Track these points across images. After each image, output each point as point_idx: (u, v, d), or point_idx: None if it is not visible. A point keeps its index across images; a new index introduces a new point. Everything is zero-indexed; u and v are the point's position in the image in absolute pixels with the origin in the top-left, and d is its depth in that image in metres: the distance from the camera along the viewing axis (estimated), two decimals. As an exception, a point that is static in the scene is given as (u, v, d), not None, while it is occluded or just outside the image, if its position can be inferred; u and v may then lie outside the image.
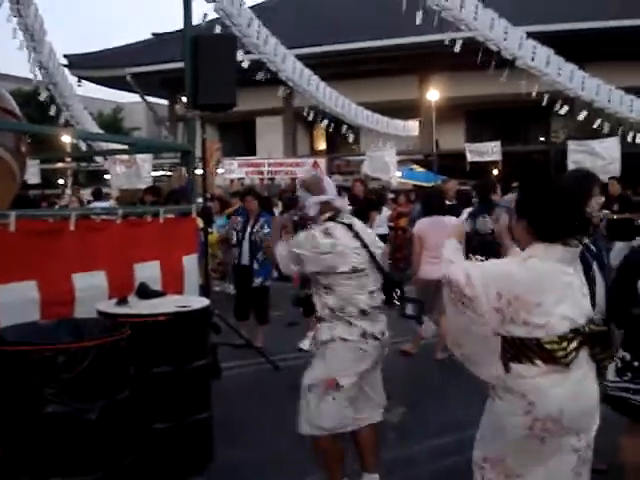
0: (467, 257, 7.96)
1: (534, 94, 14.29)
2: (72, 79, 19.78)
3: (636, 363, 3.86)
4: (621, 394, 3.87)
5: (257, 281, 8.35)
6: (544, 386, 2.95)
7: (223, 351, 7.38)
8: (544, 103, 13.95)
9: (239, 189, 15.78)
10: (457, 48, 12.89)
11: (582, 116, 15.16)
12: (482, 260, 7.84)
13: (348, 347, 4.14)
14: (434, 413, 6.15)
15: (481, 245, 7.85)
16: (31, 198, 13.51)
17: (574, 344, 2.96)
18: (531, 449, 3.03)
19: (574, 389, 2.97)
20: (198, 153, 7.37)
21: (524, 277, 2.97)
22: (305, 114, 18.03)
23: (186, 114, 7.00)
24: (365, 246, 4.19)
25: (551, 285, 2.98)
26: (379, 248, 4.38)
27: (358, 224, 4.35)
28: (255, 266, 8.37)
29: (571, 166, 15.49)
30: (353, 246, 4.16)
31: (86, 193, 20.07)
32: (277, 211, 13.59)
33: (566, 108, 15.03)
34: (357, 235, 4.21)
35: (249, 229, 8.47)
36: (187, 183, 6.78)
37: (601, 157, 16.09)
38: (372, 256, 4.22)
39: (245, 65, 13.44)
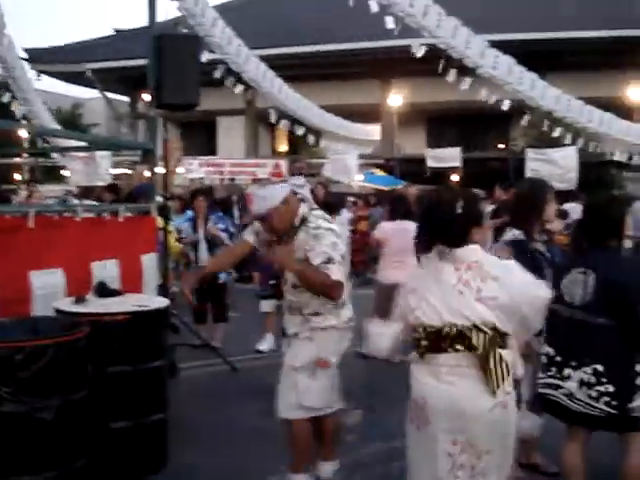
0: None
1: (494, 102, 14.45)
2: (31, 73, 19.49)
3: (559, 358, 3.95)
4: (545, 391, 3.97)
5: (222, 277, 8.30)
6: (414, 371, 3.27)
7: (181, 351, 7.35)
8: (505, 108, 14.09)
9: (199, 188, 15.70)
10: (419, 54, 12.97)
11: (545, 126, 15.39)
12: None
13: (337, 332, 4.30)
14: (391, 415, 6.17)
15: None
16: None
17: (425, 341, 3.15)
18: (412, 435, 3.24)
19: (440, 385, 3.10)
20: (159, 152, 7.34)
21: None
22: (268, 116, 18.00)
23: (148, 112, 6.96)
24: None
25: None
26: None
27: None
28: None
29: (529, 174, 15.68)
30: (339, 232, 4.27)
31: (44, 189, 19.76)
32: (236, 213, 13.55)
33: (527, 117, 15.23)
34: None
35: (201, 230, 8.41)
36: (144, 182, 6.75)
37: (559, 166, 16.31)
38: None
39: (206, 64, 13.37)
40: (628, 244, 11.45)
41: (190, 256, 8.65)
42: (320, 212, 4.35)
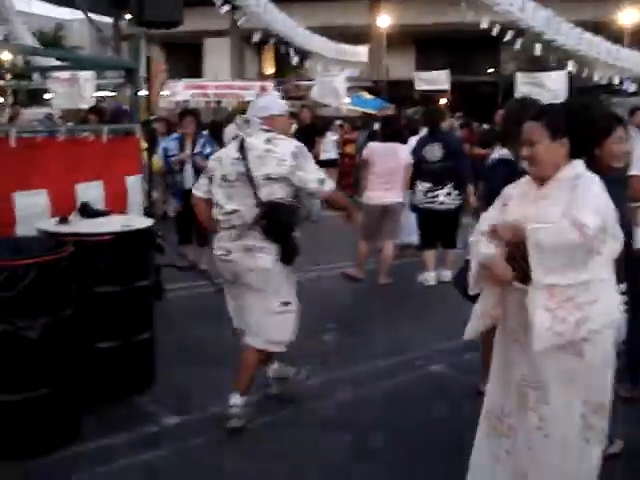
0: (413, 184, 8.06)
1: (485, 24, 14.22)
2: (11, -8, 18.95)
3: None
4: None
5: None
6: None
7: (167, 273, 7.36)
8: (494, 33, 13.89)
9: (187, 109, 15.47)
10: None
11: (535, 49, 15.19)
12: (428, 189, 7.98)
13: None
14: (374, 337, 6.26)
15: (430, 173, 7.93)
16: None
17: None
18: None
19: None
20: (143, 73, 7.20)
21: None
22: (255, 38, 17.68)
23: (130, 31, 6.80)
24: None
25: None
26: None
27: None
28: None
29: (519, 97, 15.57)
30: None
31: (27, 112, 19.45)
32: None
33: (519, 40, 15.02)
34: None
35: (189, 152, 8.27)
36: (117, 103, 6.64)
37: (548, 89, 16.19)
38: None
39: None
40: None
41: (172, 178, 8.53)
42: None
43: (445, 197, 7.90)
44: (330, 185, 4.32)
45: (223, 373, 4.73)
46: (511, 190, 3.28)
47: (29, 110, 20.94)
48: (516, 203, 3.16)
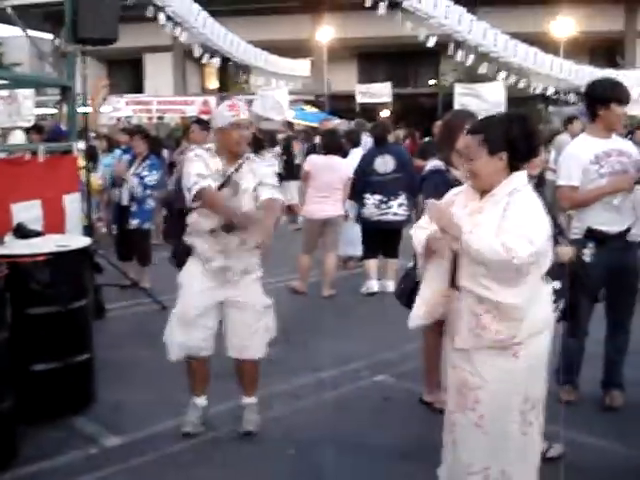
0: (362, 196, 8.05)
1: (422, 37, 14.42)
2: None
3: None
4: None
5: (133, 223, 8.14)
6: None
7: (110, 292, 7.29)
8: (430, 44, 14.08)
9: (127, 127, 15.34)
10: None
11: (469, 61, 15.45)
12: (380, 201, 8.02)
13: None
14: (317, 349, 6.28)
15: (380, 185, 7.98)
16: None
17: None
18: None
19: None
20: (79, 90, 7.13)
21: None
22: (196, 53, 17.63)
23: (65, 48, 6.75)
24: None
25: None
26: None
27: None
28: (133, 208, 8.14)
29: (458, 108, 15.80)
30: None
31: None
32: (166, 153, 13.30)
33: (460, 52, 15.25)
34: None
35: (132, 169, 8.22)
36: (55, 123, 6.58)
37: (486, 100, 16.45)
38: None
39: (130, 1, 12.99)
40: (550, 176, 11.73)
41: (112, 194, 8.46)
42: None
43: (398, 208, 7.98)
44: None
45: (164, 392, 4.71)
46: (453, 197, 3.33)
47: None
48: (455, 211, 3.19)
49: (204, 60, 16.46)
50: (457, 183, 4.52)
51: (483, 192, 3.15)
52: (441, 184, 4.22)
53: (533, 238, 2.92)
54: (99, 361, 5.03)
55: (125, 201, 8.12)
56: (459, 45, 15.38)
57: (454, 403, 3.26)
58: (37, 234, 4.98)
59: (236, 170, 4.24)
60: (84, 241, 4.98)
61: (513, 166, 3.11)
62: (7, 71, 23.84)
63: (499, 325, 3.03)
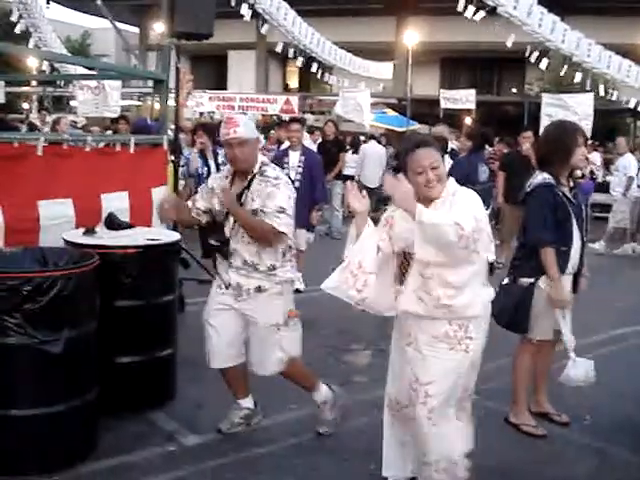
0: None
1: (511, 44, 14.13)
2: (41, 0, 19.11)
3: None
4: None
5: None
6: None
7: (188, 286, 7.28)
8: (527, 54, 13.77)
9: (202, 122, 15.46)
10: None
11: (563, 71, 15.06)
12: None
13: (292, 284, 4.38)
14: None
15: (482, 194, 7.78)
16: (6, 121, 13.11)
17: None
18: None
19: None
20: (171, 84, 7.14)
21: None
22: (279, 50, 17.69)
23: (161, 41, 6.77)
24: None
25: None
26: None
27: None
28: None
29: (544, 119, 15.44)
30: None
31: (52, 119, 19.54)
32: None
33: (546, 60, 14.89)
34: None
35: (213, 165, 8.20)
36: (141, 117, 6.59)
37: (574, 112, 16.03)
38: None
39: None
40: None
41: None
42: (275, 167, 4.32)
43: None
44: None
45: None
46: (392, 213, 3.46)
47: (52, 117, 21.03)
48: (402, 220, 3.33)
49: (289, 56, 16.42)
50: (565, 199, 4.35)
51: (429, 202, 3.32)
52: (551, 199, 4.19)
53: (476, 215, 3.19)
54: (179, 357, 5.00)
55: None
56: (546, 54, 15.02)
57: (406, 397, 3.54)
58: (128, 226, 4.97)
59: (247, 188, 4.13)
60: (174, 236, 4.95)
61: None
62: (106, 62, 24.33)
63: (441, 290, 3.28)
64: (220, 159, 8.17)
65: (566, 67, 15.19)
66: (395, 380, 3.69)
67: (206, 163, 8.28)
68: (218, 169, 8.11)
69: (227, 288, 4.22)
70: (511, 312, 4.36)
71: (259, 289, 4.13)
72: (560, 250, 4.31)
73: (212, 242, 4.21)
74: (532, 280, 4.38)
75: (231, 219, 4.13)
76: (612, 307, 7.98)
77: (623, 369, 5.95)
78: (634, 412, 5.05)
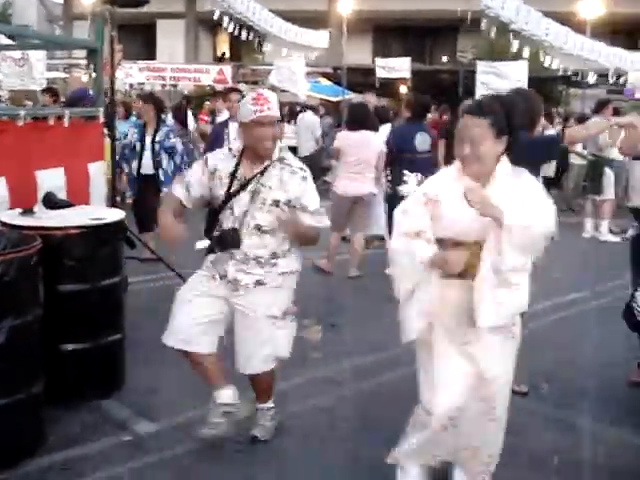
0: (402, 175, 7.77)
1: (448, 12, 14.06)
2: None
3: None
4: None
5: (165, 190, 7.88)
6: None
7: (129, 264, 7.01)
8: (469, 19, 13.69)
9: (141, 93, 15.05)
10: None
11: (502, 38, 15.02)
12: (420, 181, 7.72)
13: (297, 276, 4.01)
14: (354, 332, 6.04)
15: (419, 163, 7.60)
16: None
17: None
18: None
19: None
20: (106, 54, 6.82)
21: None
22: (209, 19, 17.22)
23: (94, 9, 6.43)
24: None
25: None
26: None
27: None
28: (161, 176, 7.90)
29: (479, 87, 15.46)
30: None
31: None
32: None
33: (484, 27, 14.86)
34: None
35: (149, 138, 7.94)
36: (81, 88, 6.27)
37: (508, 79, 16.08)
38: None
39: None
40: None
41: (127, 165, 8.18)
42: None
43: None
44: None
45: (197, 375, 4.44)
46: (434, 189, 3.13)
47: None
48: (450, 203, 3.03)
49: (224, 24, 15.98)
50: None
51: (477, 179, 3.04)
52: None
53: (551, 209, 3.00)
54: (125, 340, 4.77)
55: (149, 170, 7.86)
56: (479, 20, 14.98)
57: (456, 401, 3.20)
58: (67, 205, 4.69)
59: (261, 174, 3.79)
60: (118, 214, 4.69)
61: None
62: (34, 31, 23.32)
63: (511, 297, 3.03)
64: (159, 137, 7.88)
65: (510, 35, 15.10)
66: (445, 389, 3.19)
67: (142, 138, 7.97)
68: (153, 149, 7.84)
69: (222, 279, 3.86)
70: None
71: (259, 283, 3.82)
72: None
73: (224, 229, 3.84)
74: None
75: (235, 206, 3.78)
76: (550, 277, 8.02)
77: (570, 336, 6.03)
78: (588, 380, 5.05)
